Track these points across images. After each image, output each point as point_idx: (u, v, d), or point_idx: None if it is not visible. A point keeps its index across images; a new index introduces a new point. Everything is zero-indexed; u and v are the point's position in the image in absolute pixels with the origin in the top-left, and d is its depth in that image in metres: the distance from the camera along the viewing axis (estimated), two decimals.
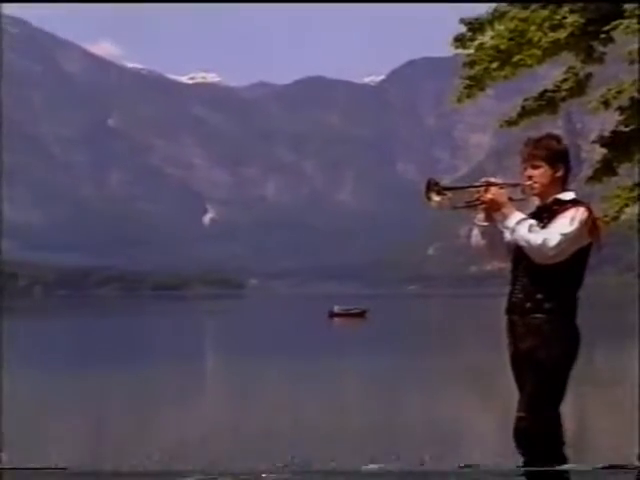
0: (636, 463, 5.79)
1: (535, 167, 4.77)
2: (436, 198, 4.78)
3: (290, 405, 14.52)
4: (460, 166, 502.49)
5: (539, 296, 4.65)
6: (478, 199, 4.80)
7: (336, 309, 57.52)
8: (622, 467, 5.39)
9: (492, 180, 4.83)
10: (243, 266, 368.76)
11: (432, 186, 4.78)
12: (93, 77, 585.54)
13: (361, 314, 56.72)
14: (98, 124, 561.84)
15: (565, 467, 4.66)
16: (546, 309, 4.64)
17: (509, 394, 5.01)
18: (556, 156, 4.79)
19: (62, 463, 8.84)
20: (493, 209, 4.78)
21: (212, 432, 11.23)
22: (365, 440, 10.10)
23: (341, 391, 16.86)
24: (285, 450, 9.44)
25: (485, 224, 4.86)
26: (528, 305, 4.68)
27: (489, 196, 4.75)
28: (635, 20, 9.05)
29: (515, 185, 4.86)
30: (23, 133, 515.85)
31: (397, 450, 9.32)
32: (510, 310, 4.78)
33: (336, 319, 53.62)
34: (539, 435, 4.60)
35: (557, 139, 4.89)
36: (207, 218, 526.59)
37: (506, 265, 4.90)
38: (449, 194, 4.83)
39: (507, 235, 4.78)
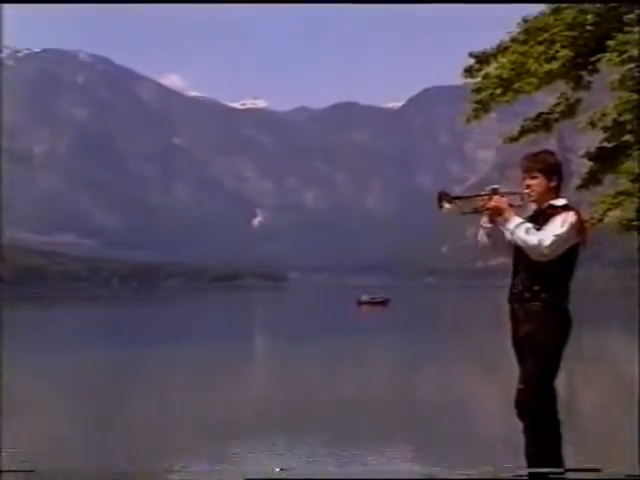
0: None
1: (533, 177, 4.74)
2: (447, 206, 4.78)
3: (328, 374, 14.58)
4: (469, 177, 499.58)
5: (536, 287, 4.63)
6: (483, 206, 4.80)
7: (363, 298, 57.46)
8: None
9: (496, 188, 4.80)
10: (286, 262, 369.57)
11: (443, 196, 4.79)
12: (162, 104, 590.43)
13: (385, 302, 56.60)
14: (166, 143, 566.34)
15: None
16: (542, 298, 4.61)
17: (511, 369, 4.98)
18: (551, 169, 4.75)
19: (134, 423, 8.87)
20: (496, 214, 4.76)
21: (268, 398, 11.28)
22: (386, 411, 10.09)
23: (367, 363, 16.94)
24: (325, 416, 9.45)
25: (489, 226, 4.85)
26: (527, 295, 4.65)
27: (493, 203, 4.74)
28: (616, 54, 9.02)
29: (515, 193, 4.82)
30: (105, 151, 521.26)
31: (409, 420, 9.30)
32: (512, 299, 4.76)
33: (363, 306, 53.51)
34: (536, 405, 4.57)
35: (552, 154, 4.85)
36: (256, 221, 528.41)
37: (507, 260, 4.88)
38: (458, 202, 4.83)
39: (508, 235, 4.76)
